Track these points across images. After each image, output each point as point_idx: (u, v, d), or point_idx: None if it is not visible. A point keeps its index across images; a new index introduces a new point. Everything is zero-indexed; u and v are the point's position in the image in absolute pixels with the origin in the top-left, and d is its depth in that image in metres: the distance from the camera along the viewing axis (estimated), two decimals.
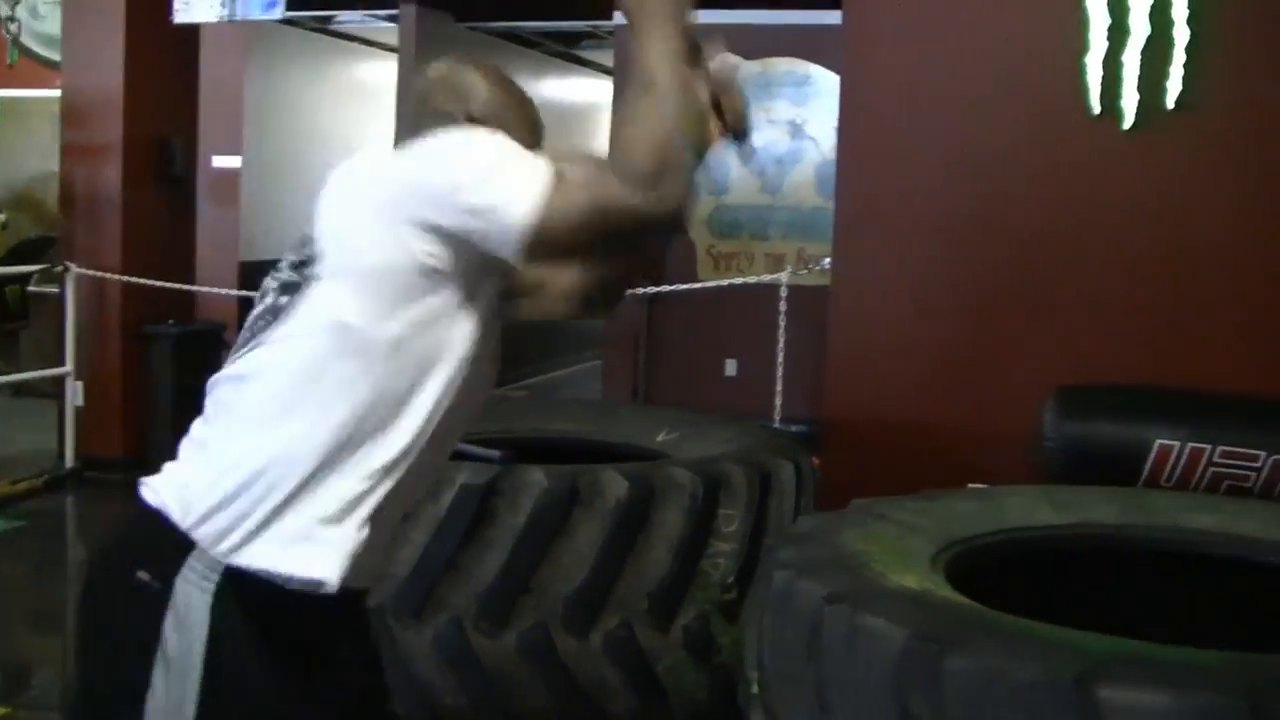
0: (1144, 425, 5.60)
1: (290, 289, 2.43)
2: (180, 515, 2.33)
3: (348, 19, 12.69)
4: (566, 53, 14.66)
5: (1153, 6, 5.86)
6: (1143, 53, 5.90)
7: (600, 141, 14.45)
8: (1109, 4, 5.91)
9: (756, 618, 3.71)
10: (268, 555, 2.31)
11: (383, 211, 2.33)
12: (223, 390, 2.46)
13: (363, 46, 14.23)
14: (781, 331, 7.56)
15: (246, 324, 2.53)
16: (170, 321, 9.92)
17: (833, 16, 8.11)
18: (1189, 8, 5.83)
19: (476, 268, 2.36)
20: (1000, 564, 4.13)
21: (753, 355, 10.32)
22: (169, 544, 2.32)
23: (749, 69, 10.57)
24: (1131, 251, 6.08)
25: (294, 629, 2.40)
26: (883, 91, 6.44)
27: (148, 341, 9.84)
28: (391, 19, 12.23)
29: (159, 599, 2.29)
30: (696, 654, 4.80)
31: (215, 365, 8.61)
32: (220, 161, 12.01)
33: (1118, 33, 5.91)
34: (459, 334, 2.40)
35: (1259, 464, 5.45)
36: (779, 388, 7.52)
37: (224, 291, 10.38)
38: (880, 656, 3.07)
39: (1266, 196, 5.94)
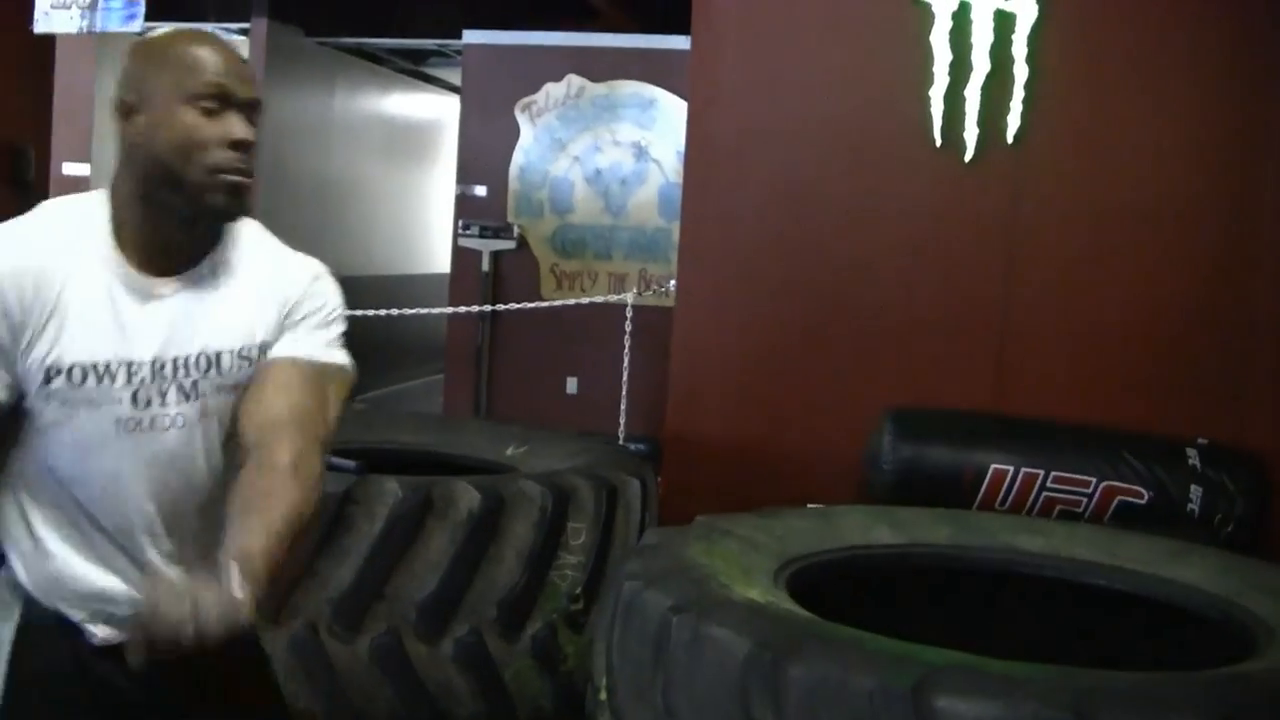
0: (979, 449, 5.74)
1: None
2: None
3: None
4: (414, 70, 14.69)
5: (993, 44, 6.01)
6: (983, 88, 6.06)
7: (445, 156, 14.47)
8: (951, 40, 6.05)
9: (604, 626, 3.80)
10: None
11: None
12: None
13: None
14: (627, 351, 7.66)
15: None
16: None
17: (678, 41, 8.25)
18: (1028, 46, 6.00)
19: None
20: (839, 580, 4.25)
21: (594, 373, 10.42)
22: None
23: (595, 91, 10.73)
24: (967, 280, 6.22)
25: None
26: (728, 119, 6.53)
27: None
28: (243, 32, 12.21)
29: None
30: (543, 662, 4.89)
31: None
32: (70, 169, 11.97)
33: (960, 68, 6.06)
34: None
35: (1090, 489, 5.62)
36: (624, 405, 7.62)
37: None
38: (724, 665, 3.17)
39: (1094, 230, 6.12)
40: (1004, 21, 6.03)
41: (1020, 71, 6.02)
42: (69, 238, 2.41)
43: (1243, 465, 5.75)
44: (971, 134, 6.10)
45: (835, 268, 6.37)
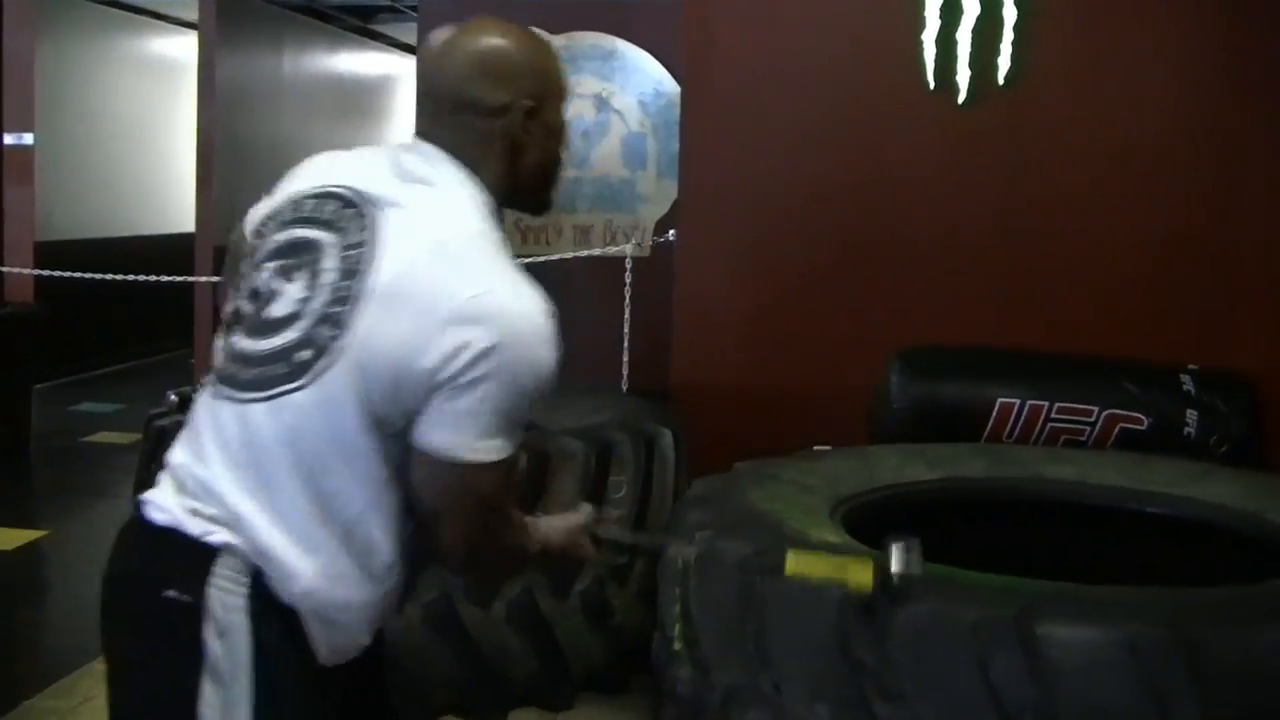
0: (986, 384, 5.85)
1: (316, 344, 2.32)
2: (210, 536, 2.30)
3: None
4: (363, 27, 14.63)
5: None
6: (974, 31, 6.17)
7: (397, 116, 14.45)
8: None
9: (672, 577, 3.89)
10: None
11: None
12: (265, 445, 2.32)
13: (156, 21, 14.09)
14: (628, 304, 7.70)
15: (241, 326, 2.43)
16: None
17: None
18: None
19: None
20: (887, 516, 4.36)
21: (561, 328, 10.45)
22: (190, 557, 2.29)
23: (554, 43, 10.74)
24: (964, 221, 6.32)
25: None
26: (725, 68, 6.58)
27: None
28: None
29: (193, 612, 2.26)
30: (592, 617, 4.98)
31: (26, 354, 8.46)
32: (13, 139, 11.83)
33: (951, 11, 6.16)
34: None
35: (1093, 419, 5.75)
36: (626, 358, 7.67)
37: (29, 272, 10.31)
38: (822, 608, 3.26)
39: (1086, 168, 6.24)
40: None
41: (1009, 13, 6.12)
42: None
43: (1234, 388, 5.87)
44: (964, 77, 6.21)
45: (837, 212, 6.45)
